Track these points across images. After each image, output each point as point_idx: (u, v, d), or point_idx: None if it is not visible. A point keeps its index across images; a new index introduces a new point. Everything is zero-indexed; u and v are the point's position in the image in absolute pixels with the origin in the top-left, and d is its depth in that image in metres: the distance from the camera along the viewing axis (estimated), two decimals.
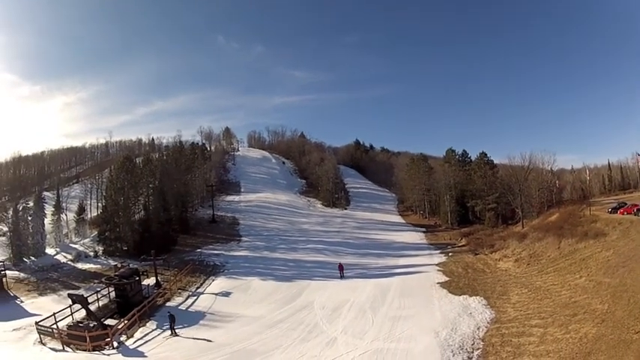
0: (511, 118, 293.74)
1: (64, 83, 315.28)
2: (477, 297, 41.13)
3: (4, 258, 62.46)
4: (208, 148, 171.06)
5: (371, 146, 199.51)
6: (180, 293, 50.95)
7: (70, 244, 77.86)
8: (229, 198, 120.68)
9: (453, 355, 28.02)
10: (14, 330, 38.80)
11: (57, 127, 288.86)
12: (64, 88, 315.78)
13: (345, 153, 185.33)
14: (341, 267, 52.33)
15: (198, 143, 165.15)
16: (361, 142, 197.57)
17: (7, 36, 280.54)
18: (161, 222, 77.90)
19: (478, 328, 32.48)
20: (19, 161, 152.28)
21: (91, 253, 71.87)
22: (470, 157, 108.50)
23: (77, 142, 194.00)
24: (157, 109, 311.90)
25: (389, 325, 35.25)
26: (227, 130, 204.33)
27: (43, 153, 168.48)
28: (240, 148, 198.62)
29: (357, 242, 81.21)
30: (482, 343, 29.69)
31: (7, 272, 56.61)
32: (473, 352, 28.35)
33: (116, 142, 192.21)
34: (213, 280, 56.85)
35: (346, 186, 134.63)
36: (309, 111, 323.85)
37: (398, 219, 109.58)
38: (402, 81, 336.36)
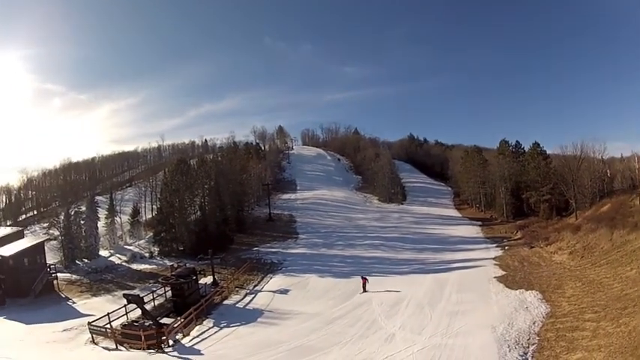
0: (560, 107, 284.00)
1: (111, 91, 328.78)
2: (533, 291, 40.39)
3: (55, 261, 63.68)
4: (263, 148, 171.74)
5: (425, 140, 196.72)
6: (237, 291, 51.24)
7: (125, 246, 79.70)
8: (285, 196, 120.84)
9: (510, 351, 27.61)
10: (65, 330, 39.26)
11: (105, 133, 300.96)
12: (112, 95, 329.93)
13: (400, 147, 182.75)
14: (364, 280, 48.74)
15: (252, 143, 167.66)
16: (415, 136, 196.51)
17: (49, 48, 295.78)
18: (217, 222, 78.09)
19: (534, 323, 31.98)
20: (68, 167, 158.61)
21: (147, 254, 73.29)
22: (523, 148, 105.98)
23: (127, 147, 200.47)
24: (207, 111, 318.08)
25: (447, 321, 34.91)
26: (280, 128, 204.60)
27: (94, 159, 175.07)
28: (294, 147, 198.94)
29: (414, 237, 79.94)
30: (537, 338, 29.23)
31: (59, 275, 58.43)
32: (528, 348, 27.94)
33: (168, 146, 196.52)
34: (271, 278, 57.09)
35: (402, 181, 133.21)
36: (361, 106, 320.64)
37: (454, 213, 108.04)
38: (452, 72, 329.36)
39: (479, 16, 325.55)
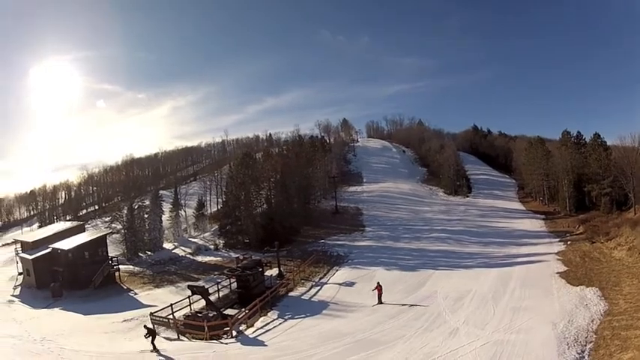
0: (620, 95, 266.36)
1: (171, 89, 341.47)
2: (593, 288, 39.67)
3: (117, 254, 65.73)
4: (328, 141, 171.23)
5: (489, 131, 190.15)
6: (303, 283, 51.43)
7: (189, 239, 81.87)
8: (352, 189, 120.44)
9: (568, 348, 27.33)
10: (124, 321, 40.18)
11: (167, 129, 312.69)
12: (172, 93, 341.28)
13: (464, 139, 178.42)
14: (379, 290, 45.41)
15: (317, 136, 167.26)
16: (479, 127, 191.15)
17: (104, 50, 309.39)
18: (284, 214, 78.45)
19: (592, 321, 31.58)
20: (131, 163, 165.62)
21: (211, 247, 74.85)
22: (584, 139, 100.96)
23: (190, 143, 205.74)
24: (270, 105, 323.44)
25: (509, 316, 34.69)
26: (345, 121, 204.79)
27: (157, 154, 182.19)
28: (359, 139, 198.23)
29: (479, 230, 78.39)
30: (594, 336, 28.96)
31: (121, 267, 60.76)
32: (586, 346, 27.66)
33: (233, 140, 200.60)
34: (337, 271, 57.00)
35: (467, 173, 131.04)
36: (423, 98, 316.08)
37: (518, 206, 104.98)
38: (509, 61, 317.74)
39: (535, 3, 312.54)
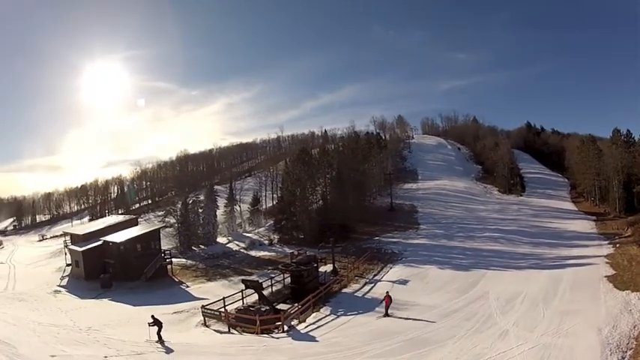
0: None
1: (224, 86, 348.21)
2: (638, 293, 38.83)
3: (170, 247, 67.30)
4: (383, 137, 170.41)
5: (542, 128, 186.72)
6: (357, 280, 51.35)
7: (244, 234, 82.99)
8: (407, 186, 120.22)
9: (611, 354, 27.31)
10: (175, 313, 41.03)
11: (222, 126, 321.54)
12: (225, 90, 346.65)
13: (518, 136, 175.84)
14: (387, 300, 42.62)
15: (372, 132, 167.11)
16: (532, 125, 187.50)
17: (156, 48, 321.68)
18: (339, 211, 78.39)
19: (634, 327, 31.29)
20: (185, 159, 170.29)
21: (266, 242, 75.58)
22: (633, 138, 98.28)
23: (245, 139, 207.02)
24: (325, 102, 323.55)
25: (558, 320, 34.41)
26: (400, 118, 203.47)
27: (211, 150, 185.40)
28: (414, 136, 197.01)
29: (531, 231, 76.96)
30: (635, 342, 28.72)
31: (174, 260, 62.06)
32: (626, 352, 27.59)
33: (288, 136, 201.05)
34: (391, 268, 56.74)
35: (521, 171, 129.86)
36: (477, 94, 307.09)
37: (570, 206, 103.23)
38: (561, 55, 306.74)
39: None
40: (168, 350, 28.64)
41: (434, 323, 34.72)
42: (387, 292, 40.69)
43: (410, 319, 36.63)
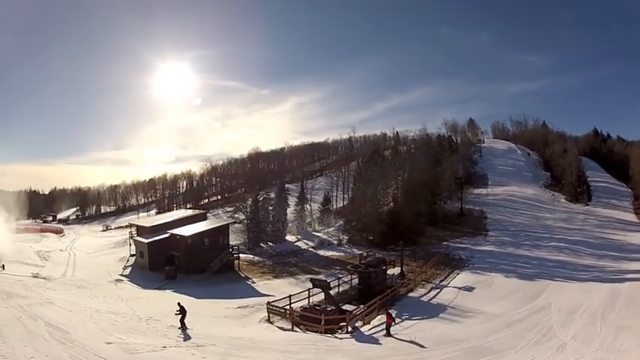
0: None
1: (295, 85, 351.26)
2: None
3: (239, 243, 68.68)
4: (455, 140, 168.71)
5: (608, 135, 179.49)
6: (423, 285, 51.25)
7: (313, 233, 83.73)
8: (477, 191, 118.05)
9: None
10: (239, 307, 41.63)
11: (293, 125, 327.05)
12: (296, 89, 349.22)
13: (585, 142, 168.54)
14: (390, 320, 39.28)
15: (444, 135, 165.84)
16: (599, 131, 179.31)
17: (225, 48, 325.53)
18: (410, 214, 77.53)
19: None
20: (256, 157, 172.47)
21: (335, 242, 76.04)
22: None
23: (316, 139, 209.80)
24: (396, 103, 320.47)
25: (613, 335, 33.87)
26: (471, 121, 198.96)
27: (282, 149, 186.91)
28: (485, 140, 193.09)
29: (595, 242, 74.40)
30: None
31: (241, 256, 63.04)
32: None
33: (360, 137, 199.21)
34: (458, 274, 56.57)
35: (587, 179, 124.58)
36: (546, 97, 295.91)
37: (632, 217, 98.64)
38: (631, 57, 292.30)
39: None
40: (230, 344, 28.65)
41: (497, 332, 34.60)
42: (387, 309, 39.30)
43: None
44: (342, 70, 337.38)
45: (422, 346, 30.94)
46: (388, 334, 34.75)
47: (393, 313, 39.20)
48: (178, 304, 33.22)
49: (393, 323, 35.83)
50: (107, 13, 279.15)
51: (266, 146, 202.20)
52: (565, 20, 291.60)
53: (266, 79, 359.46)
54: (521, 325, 36.62)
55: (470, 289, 49.16)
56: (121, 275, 56.60)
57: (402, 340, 32.71)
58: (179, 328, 31.51)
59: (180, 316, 32.19)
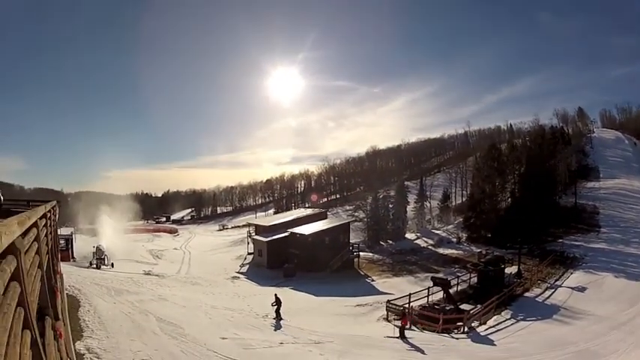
0: None
1: (405, 82, 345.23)
2: None
3: (358, 241, 69.38)
4: (566, 131, 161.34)
5: None
6: (539, 284, 49.98)
7: (432, 230, 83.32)
8: (589, 184, 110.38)
9: None
10: (358, 305, 42.00)
11: (407, 121, 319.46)
12: (407, 85, 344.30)
13: None
14: (404, 321, 34.48)
15: (556, 126, 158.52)
16: None
17: (332, 49, 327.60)
18: (528, 210, 75.11)
19: None
20: (373, 155, 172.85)
21: (454, 239, 75.22)
22: None
23: (432, 135, 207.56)
24: (506, 95, 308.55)
25: None
26: (580, 110, 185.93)
27: (399, 146, 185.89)
28: (594, 130, 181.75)
29: None
30: None
31: (361, 254, 64.00)
32: None
33: (475, 131, 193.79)
34: (572, 274, 54.29)
35: None
36: None
37: None
38: None
39: None
40: (347, 342, 28.87)
41: (603, 335, 33.57)
42: (404, 310, 36.48)
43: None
44: (450, 64, 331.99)
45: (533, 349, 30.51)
46: (402, 337, 32.06)
47: (509, 313, 39.44)
48: (275, 295, 34.48)
49: (407, 325, 33.84)
50: (220, 19, 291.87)
51: (383, 144, 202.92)
52: None
53: (376, 77, 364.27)
54: (625, 327, 35.65)
55: (582, 289, 47.73)
56: (238, 273, 58.98)
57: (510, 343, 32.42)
58: (274, 319, 32.59)
59: (275, 307, 33.33)
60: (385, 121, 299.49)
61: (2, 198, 23.05)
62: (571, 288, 48.13)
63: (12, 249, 3.94)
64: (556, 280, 51.78)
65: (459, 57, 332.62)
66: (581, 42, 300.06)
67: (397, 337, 31.64)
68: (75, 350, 14.80)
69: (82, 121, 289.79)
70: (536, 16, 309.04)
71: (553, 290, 47.94)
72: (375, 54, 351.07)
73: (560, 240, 71.44)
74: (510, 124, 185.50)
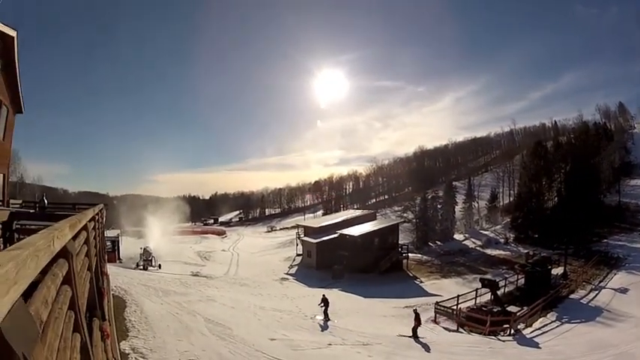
0: None
1: (450, 80, 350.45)
2: None
3: (407, 242, 69.90)
4: (609, 127, 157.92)
5: None
6: (583, 286, 50.02)
7: (480, 231, 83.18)
8: (632, 182, 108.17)
9: None
10: (406, 307, 41.95)
11: (453, 120, 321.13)
12: (451, 84, 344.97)
13: None
14: (417, 322, 32.96)
15: (598, 122, 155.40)
16: None
17: (377, 49, 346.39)
18: (574, 209, 74.49)
19: None
20: (421, 155, 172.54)
21: (501, 240, 75.15)
22: None
23: (477, 133, 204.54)
24: (549, 91, 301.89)
25: None
26: (621, 105, 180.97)
27: (446, 145, 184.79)
28: (635, 125, 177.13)
29: None
30: None
31: (410, 255, 64.43)
32: None
33: (520, 129, 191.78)
34: (615, 275, 54.31)
35: None
36: None
37: None
38: None
39: None
40: (395, 344, 29.32)
41: None
42: (416, 310, 34.96)
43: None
44: (493, 61, 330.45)
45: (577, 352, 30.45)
46: (415, 336, 31.78)
47: (554, 315, 39.60)
48: (322, 296, 35.32)
49: (420, 325, 32.75)
50: (267, 24, 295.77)
51: (430, 144, 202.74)
52: None
53: (420, 77, 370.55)
54: None
55: (624, 290, 47.45)
56: (287, 274, 59.94)
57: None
58: (322, 320, 33.30)
59: (323, 307, 34.17)
60: (431, 120, 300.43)
61: (47, 201, 24.98)
62: (614, 289, 48.03)
63: (64, 252, 4.13)
64: (600, 282, 51.71)
65: (502, 54, 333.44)
66: (617, 34, 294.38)
67: (410, 337, 31.64)
68: (120, 350, 15.18)
69: (130, 127, 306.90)
70: (571, 9, 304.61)
71: (597, 292, 47.87)
72: (418, 53, 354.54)
73: (605, 240, 71.30)
74: (555, 122, 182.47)
